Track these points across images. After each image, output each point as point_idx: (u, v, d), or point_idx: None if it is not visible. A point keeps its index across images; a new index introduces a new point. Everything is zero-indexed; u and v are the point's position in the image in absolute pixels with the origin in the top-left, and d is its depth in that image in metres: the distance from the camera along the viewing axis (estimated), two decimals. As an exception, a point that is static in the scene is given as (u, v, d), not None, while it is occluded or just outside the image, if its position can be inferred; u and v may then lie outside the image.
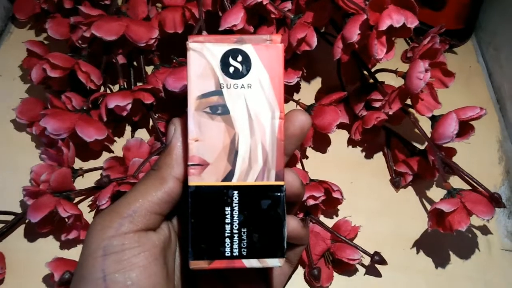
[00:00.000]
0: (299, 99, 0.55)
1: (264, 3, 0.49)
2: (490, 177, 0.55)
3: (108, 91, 0.56)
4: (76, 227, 0.46)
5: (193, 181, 0.29)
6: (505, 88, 0.60)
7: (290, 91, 0.59)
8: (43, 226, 0.47)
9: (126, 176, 0.48)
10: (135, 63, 0.55)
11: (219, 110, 0.29)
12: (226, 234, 0.29)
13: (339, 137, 0.57)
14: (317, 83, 0.61)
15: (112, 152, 0.54)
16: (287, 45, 0.51)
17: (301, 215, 0.49)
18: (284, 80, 0.30)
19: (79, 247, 0.48)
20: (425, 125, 0.50)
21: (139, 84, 0.53)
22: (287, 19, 0.52)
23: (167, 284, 0.30)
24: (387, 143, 0.56)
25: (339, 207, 0.51)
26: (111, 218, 0.29)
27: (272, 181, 0.30)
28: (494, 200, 0.44)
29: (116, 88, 0.55)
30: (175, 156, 0.31)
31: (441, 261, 0.50)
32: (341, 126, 0.54)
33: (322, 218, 0.51)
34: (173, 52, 0.52)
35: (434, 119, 0.49)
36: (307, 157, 0.55)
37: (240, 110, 0.30)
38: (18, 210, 0.49)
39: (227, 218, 0.30)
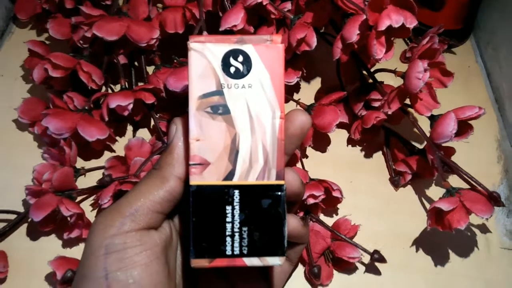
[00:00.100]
0: (299, 99, 0.55)
1: (264, 3, 0.49)
2: (488, 176, 0.55)
3: (110, 91, 0.56)
4: (78, 226, 0.46)
5: (194, 180, 0.29)
6: (504, 87, 0.60)
7: (290, 91, 0.59)
8: (46, 225, 0.47)
9: (127, 175, 0.48)
10: (136, 63, 0.55)
11: (220, 110, 0.30)
12: (227, 233, 0.30)
13: (338, 137, 0.57)
14: (316, 83, 0.61)
15: (114, 151, 0.54)
16: (287, 45, 0.51)
17: (301, 214, 0.50)
18: (284, 80, 0.30)
19: (81, 245, 0.48)
20: (424, 124, 0.50)
21: (140, 84, 0.53)
22: (287, 19, 0.52)
23: (168, 283, 0.30)
24: (387, 142, 0.56)
25: (339, 206, 0.51)
26: (113, 217, 0.30)
27: (273, 181, 0.30)
28: (493, 199, 0.44)
29: (117, 88, 0.55)
30: (177, 156, 0.31)
31: (440, 260, 0.50)
32: (340, 125, 0.55)
33: (322, 216, 0.51)
34: (174, 52, 0.52)
35: (433, 119, 0.49)
36: (307, 157, 0.55)
37: (241, 110, 0.30)
38: (21, 209, 0.50)
39: (228, 217, 0.30)
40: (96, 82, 0.50)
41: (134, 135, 0.56)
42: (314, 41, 0.50)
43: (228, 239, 0.30)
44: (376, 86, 0.53)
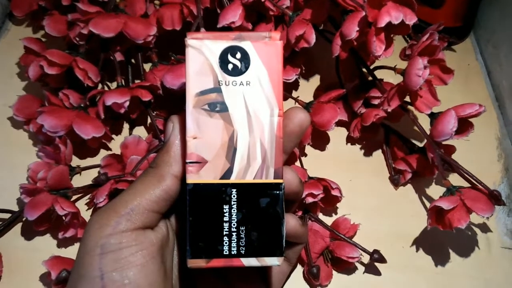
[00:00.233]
0: (298, 97, 0.55)
1: (262, 0, 0.49)
2: (489, 174, 0.54)
3: (106, 88, 0.56)
4: (73, 225, 0.46)
5: (191, 179, 0.29)
6: (504, 85, 0.60)
7: (288, 89, 0.59)
8: (40, 224, 0.46)
9: (123, 173, 0.48)
10: (133, 60, 0.55)
11: (218, 108, 0.30)
12: (224, 233, 0.29)
13: (337, 135, 0.57)
14: (315, 81, 0.61)
15: (110, 149, 0.54)
16: (285, 42, 0.50)
17: (299, 213, 0.49)
18: (283, 77, 0.30)
19: (77, 245, 0.48)
20: (424, 122, 0.49)
21: (137, 81, 0.53)
22: (286, 16, 0.51)
23: (164, 283, 0.30)
24: (386, 140, 0.55)
25: (338, 205, 0.51)
26: (108, 216, 0.29)
27: (271, 179, 0.30)
28: (494, 198, 0.44)
29: (113, 85, 0.55)
30: (173, 154, 0.31)
31: (440, 259, 0.50)
32: (339, 123, 0.54)
33: (321, 216, 0.51)
34: (171, 49, 0.52)
35: (433, 116, 0.48)
36: (305, 155, 0.55)
37: (239, 108, 0.30)
38: (15, 208, 0.49)
39: (226, 216, 0.30)
40: (92, 79, 0.50)
41: (130, 133, 0.55)
42: (313, 38, 0.49)
43: (226, 239, 0.29)
44: (376, 83, 0.53)
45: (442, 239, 0.50)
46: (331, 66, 0.57)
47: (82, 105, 0.50)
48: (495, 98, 0.62)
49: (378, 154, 0.56)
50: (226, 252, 0.29)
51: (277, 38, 0.30)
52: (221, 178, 0.29)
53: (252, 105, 0.30)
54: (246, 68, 0.30)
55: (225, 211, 0.29)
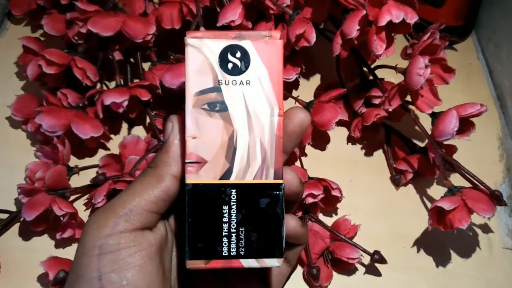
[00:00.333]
0: (298, 96, 0.55)
1: (262, -2, 0.49)
2: (490, 174, 0.54)
3: (105, 87, 0.56)
4: (71, 225, 0.46)
5: (190, 179, 0.29)
6: (506, 85, 0.60)
7: (289, 88, 0.59)
8: (38, 225, 0.46)
9: (122, 174, 0.48)
10: (132, 60, 0.54)
11: (217, 107, 0.29)
12: (224, 233, 0.29)
13: (338, 135, 0.57)
14: (316, 80, 0.61)
15: (108, 149, 0.54)
16: (285, 41, 0.50)
17: (299, 214, 0.49)
18: (283, 76, 0.30)
19: (74, 246, 0.48)
20: (425, 122, 0.49)
21: (136, 80, 0.53)
22: (286, 14, 0.51)
23: (163, 284, 0.30)
24: (387, 140, 0.55)
25: (338, 205, 0.51)
26: (107, 217, 0.29)
27: (271, 180, 0.30)
28: (495, 198, 0.44)
29: (112, 84, 0.55)
30: (173, 154, 0.31)
31: (441, 260, 0.49)
32: (340, 123, 0.54)
33: (321, 216, 0.51)
34: (170, 48, 0.51)
35: (434, 116, 0.48)
36: (306, 155, 0.55)
37: (239, 107, 0.30)
38: (13, 208, 0.49)
39: (225, 217, 0.29)
40: (91, 79, 0.50)
41: (129, 133, 0.55)
42: (313, 37, 0.49)
43: (225, 239, 0.29)
44: (377, 82, 0.53)
45: (443, 240, 0.50)
46: (331, 65, 0.57)
47: (80, 105, 0.50)
48: (497, 98, 0.61)
49: (379, 154, 0.56)
50: (225, 253, 0.29)
51: (278, 37, 0.30)
52: (220, 179, 0.29)
53: (252, 104, 0.29)
54: (246, 67, 0.30)
55: (224, 211, 0.29)
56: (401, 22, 0.44)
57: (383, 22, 0.44)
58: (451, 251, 0.50)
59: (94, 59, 0.52)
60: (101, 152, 0.54)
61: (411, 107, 0.51)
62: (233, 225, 0.29)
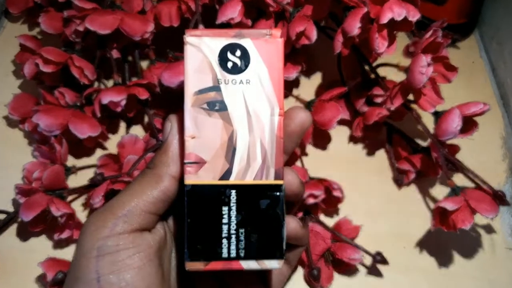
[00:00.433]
0: (299, 95, 0.55)
1: (262, -4, 0.49)
2: (493, 174, 0.53)
3: (102, 86, 0.56)
4: (69, 226, 0.46)
5: (189, 180, 0.29)
6: (509, 83, 0.59)
7: (289, 87, 0.59)
8: (36, 225, 0.46)
9: (120, 174, 0.47)
10: (130, 58, 0.54)
11: (217, 106, 0.29)
12: (223, 235, 0.29)
13: (339, 134, 0.56)
14: (317, 78, 0.60)
15: (106, 149, 0.54)
16: (286, 39, 0.50)
17: (300, 215, 0.49)
18: (284, 75, 0.30)
19: (73, 246, 0.47)
20: (428, 121, 0.49)
21: (134, 79, 0.53)
22: (286, 12, 0.51)
23: (162, 286, 0.30)
24: (389, 139, 0.55)
25: (339, 205, 0.50)
26: (105, 218, 0.30)
27: (271, 180, 0.30)
28: (498, 198, 0.43)
29: (110, 83, 0.54)
30: (171, 154, 0.31)
31: (444, 261, 0.49)
32: (341, 122, 0.54)
33: (322, 217, 0.50)
34: (169, 46, 0.51)
35: (437, 115, 0.48)
36: (306, 154, 0.55)
37: (239, 107, 0.29)
38: (11, 208, 0.49)
39: (224, 218, 0.29)
40: (88, 77, 0.50)
41: (127, 132, 0.55)
42: (314, 35, 0.49)
43: (225, 241, 0.29)
44: (378, 81, 0.52)
45: (445, 240, 0.50)
46: (332, 63, 0.56)
47: (78, 104, 0.50)
48: (500, 96, 0.61)
49: (380, 154, 0.56)
50: (225, 254, 0.29)
51: (278, 35, 0.30)
52: (220, 179, 0.29)
53: (252, 104, 0.29)
54: (246, 66, 0.29)
55: (224, 212, 0.29)
56: (403, 19, 0.44)
57: (384, 19, 0.44)
58: (454, 252, 0.49)
59: (92, 58, 0.52)
60: (99, 152, 0.53)
61: (414, 106, 0.50)
62: (233, 226, 0.29)
